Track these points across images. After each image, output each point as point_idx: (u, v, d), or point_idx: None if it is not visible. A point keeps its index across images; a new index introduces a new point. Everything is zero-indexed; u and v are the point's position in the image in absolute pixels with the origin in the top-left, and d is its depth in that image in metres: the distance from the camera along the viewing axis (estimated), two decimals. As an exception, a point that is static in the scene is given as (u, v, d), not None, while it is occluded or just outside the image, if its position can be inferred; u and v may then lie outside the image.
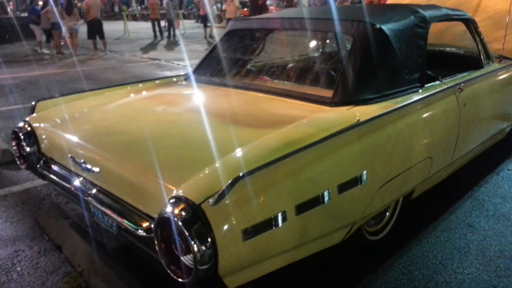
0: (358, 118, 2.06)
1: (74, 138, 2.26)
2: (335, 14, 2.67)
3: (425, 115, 2.42)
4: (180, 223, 1.44)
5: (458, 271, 2.33)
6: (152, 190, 1.73)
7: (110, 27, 18.12)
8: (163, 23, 16.35)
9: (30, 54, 11.22)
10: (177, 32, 16.45)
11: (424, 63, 2.59)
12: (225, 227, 1.48)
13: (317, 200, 1.73)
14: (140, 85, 3.06)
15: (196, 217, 1.45)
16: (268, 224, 1.56)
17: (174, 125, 2.30)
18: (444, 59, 3.64)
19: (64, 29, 11.06)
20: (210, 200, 1.46)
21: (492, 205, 3.04)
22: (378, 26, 2.38)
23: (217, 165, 1.66)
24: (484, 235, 2.68)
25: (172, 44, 14.56)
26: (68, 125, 2.41)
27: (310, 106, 2.29)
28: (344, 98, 2.25)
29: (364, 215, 2.12)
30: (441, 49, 3.95)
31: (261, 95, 2.54)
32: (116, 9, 29.41)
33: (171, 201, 1.52)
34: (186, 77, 3.09)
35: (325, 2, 13.03)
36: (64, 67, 9.56)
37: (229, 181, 1.47)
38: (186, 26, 19.11)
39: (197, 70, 3.05)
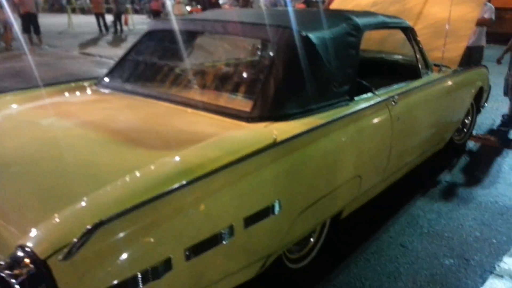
0: (274, 137, 1.81)
1: None
2: (261, 19, 2.43)
3: (353, 131, 2.22)
4: (17, 286, 1.12)
5: (385, 301, 2.16)
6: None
7: (54, 21, 17.13)
8: (110, 18, 15.57)
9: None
10: (125, 28, 15.73)
11: (355, 74, 2.40)
12: None
13: (215, 240, 1.46)
14: (41, 90, 2.63)
15: (38, 276, 1.13)
16: (145, 278, 1.26)
17: (52, 145, 1.89)
18: (381, 68, 3.50)
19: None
20: (61, 253, 1.15)
21: (426, 222, 2.91)
22: (304, 33, 2.16)
23: (79, 205, 1.32)
24: (416, 257, 2.53)
25: (118, 40, 13.83)
26: None
27: (225, 122, 2.02)
28: (263, 113, 2.00)
29: (282, 245, 1.89)
30: (379, 56, 3.82)
31: (174, 106, 2.24)
32: (64, 1, 27.93)
33: (11, 254, 1.19)
34: (97, 82, 2.72)
35: (275, 4, 12.87)
36: (-7, 63, 8.80)
37: (87, 228, 1.16)
38: (137, 22, 18.32)
39: (110, 74, 2.69)
